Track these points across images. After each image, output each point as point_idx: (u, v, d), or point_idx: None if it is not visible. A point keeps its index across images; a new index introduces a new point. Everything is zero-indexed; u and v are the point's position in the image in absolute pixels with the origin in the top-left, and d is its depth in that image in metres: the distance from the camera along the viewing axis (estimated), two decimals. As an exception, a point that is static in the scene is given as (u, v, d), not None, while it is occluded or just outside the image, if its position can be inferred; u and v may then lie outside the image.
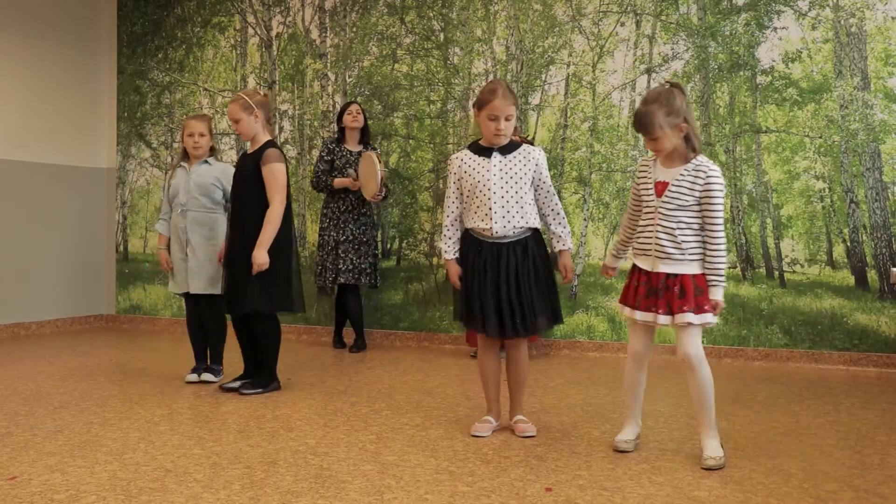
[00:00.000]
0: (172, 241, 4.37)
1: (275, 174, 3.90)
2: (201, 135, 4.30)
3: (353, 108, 5.56)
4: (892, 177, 4.89)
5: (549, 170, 5.63)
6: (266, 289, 3.91)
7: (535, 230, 3.18)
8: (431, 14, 6.07)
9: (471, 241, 3.18)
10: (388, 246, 6.16)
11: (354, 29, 6.34)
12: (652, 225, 2.87)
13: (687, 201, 2.80)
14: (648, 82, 5.43)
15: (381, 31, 6.24)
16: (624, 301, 2.98)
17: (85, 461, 2.83)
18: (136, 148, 7.15)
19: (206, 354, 4.46)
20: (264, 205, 3.91)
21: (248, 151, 4.05)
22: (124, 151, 7.19)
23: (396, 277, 6.09)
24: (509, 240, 3.11)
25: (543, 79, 5.71)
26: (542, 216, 3.22)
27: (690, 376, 2.84)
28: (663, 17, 5.41)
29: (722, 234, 2.79)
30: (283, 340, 6.09)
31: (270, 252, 3.87)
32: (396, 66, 6.19)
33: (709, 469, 2.73)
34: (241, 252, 3.91)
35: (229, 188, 4.26)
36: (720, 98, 5.28)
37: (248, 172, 3.95)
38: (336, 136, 5.68)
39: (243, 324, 4.10)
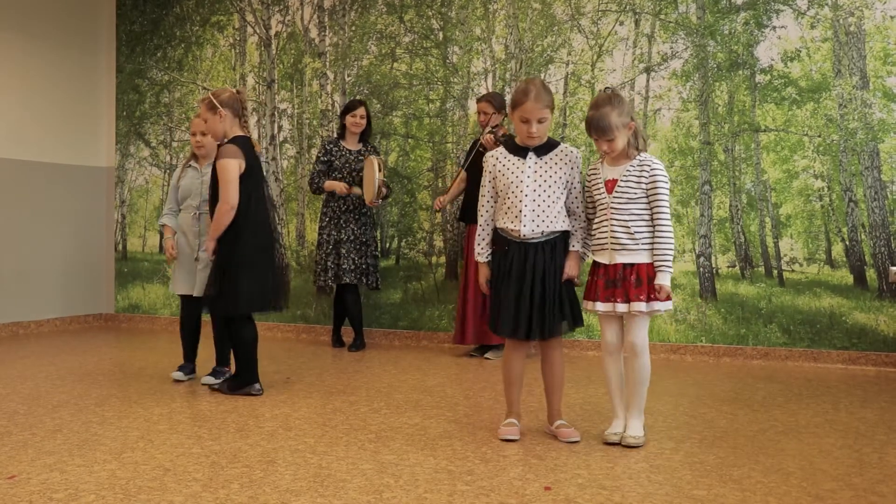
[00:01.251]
0: (180, 241, 4.34)
1: (223, 169, 3.77)
2: (203, 134, 4.25)
3: (360, 111, 5.49)
4: (890, 175, 4.89)
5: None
6: (233, 291, 3.83)
7: (564, 232, 3.14)
8: (430, 13, 6.07)
9: (499, 241, 3.16)
10: (388, 245, 6.16)
11: (353, 28, 6.33)
12: (606, 220, 3.04)
13: (636, 194, 3.00)
14: (647, 81, 5.44)
15: (380, 30, 6.24)
16: (587, 297, 3.12)
17: (84, 460, 2.83)
18: (135, 147, 7.15)
19: (196, 354, 4.45)
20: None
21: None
22: (123, 150, 7.18)
23: (395, 276, 6.09)
24: (537, 240, 3.09)
25: (543, 78, 5.70)
26: (567, 215, 3.18)
27: (631, 361, 3.05)
28: (662, 16, 5.41)
29: (668, 222, 2.99)
30: (282, 339, 6.10)
31: (231, 252, 3.81)
32: (395, 64, 6.19)
33: (628, 446, 2.97)
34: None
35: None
36: (719, 97, 5.28)
37: (214, 171, 3.90)
38: (337, 132, 5.66)
39: (218, 321, 4.18)
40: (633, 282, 2.98)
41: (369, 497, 2.44)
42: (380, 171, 5.27)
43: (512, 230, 3.10)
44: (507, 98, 5.73)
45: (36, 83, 6.58)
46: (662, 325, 5.27)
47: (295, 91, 6.54)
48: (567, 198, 3.15)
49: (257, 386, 3.98)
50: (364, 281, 5.50)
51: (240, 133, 3.93)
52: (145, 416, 3.51)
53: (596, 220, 3.10)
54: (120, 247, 7.19)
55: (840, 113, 5.00)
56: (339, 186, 5.39)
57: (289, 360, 5.11)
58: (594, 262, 3.10)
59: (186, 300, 4.37)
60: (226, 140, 3.90)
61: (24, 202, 6.45)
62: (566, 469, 2.73)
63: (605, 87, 3.08)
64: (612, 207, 3.01)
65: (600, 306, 3.04)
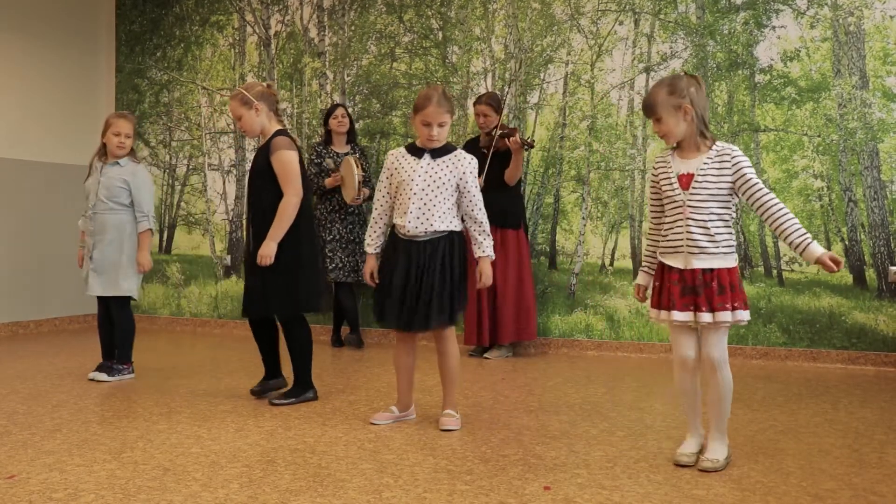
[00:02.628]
0: (86, 241, 4.41)
1: (284, 162, 3.62)
2: (128, 136, 4.33)
3: (339, 112, 5.66)
4: (890, 175, 4.89)
5: (548, 168, 5.66)
6: (290, 291, 3.69)
7: (451, 232, 3.25)
8: (430, 13, 6.07)
9: (391, 237, 3.33)
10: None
11: (353, 27, 6.33)
12: (681, 220, 2.73)
13: (718, 190, 2.70)
14: (647, 81, 5.44)
15: (379, 30, 6.24)
16: (657, 305, 2.79)
17: (83, 460, 2.83)
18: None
19: (113, 353, 4.45)
20: (278, 199, 3.64)
21: (260, 146, 3.82)
22: (123, 150, 7.17)
23: (395, 276, 6.09)
24: (421, 239, 3.22)
25: (542, 77, 5.71)
26: (465, 222, 3.31)
27: (712, 377, 2.74)
28: (662, 16, 5.41)
29: (775, 200, 2.66)
30: (282, 339, 6.10)
31: (292, 250, 3.66)
32: (395, 64, 6.19)
33: (704, 470, 2.69)
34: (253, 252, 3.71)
35: (140, 192, 4.30)
36: (719, 97, 5.28)
37: (261, 167, 3.69)
38: (323, 138, 5.77)
39: (260, 327, 3.91)
40: (716, 289, 2.66)
41: (369, 497, 2.44)
42: (357, 167, 5.35)
43: (400, 226, 3.25)
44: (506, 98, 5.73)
45: (35, 83, 6.57)
46: (663, 325, 5.26)
47: (294, 91, 6.54)
48: (461, 203, 3.27)
49: (312, 393, 3.85)
50: (353, 279, 5.57)
51: (279, 127, 3.77)
52: (144, 416, 3.50)
53: (668, 221, 2.78)
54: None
55: (839, 113, 5.00)
56: (331, 181, 5.52)
57: (289, 360, 5.10)
58: (664, 265, 2.78)
59: (98, 299, 4.45)
60: (268, 136, 3.73)
61: (23, 202, 6.45)
62: (565, 468, 2.73)
63: (683, 72, 2.83)
64: (688, 206, 2.71)
65: (678, 315, 2.70)
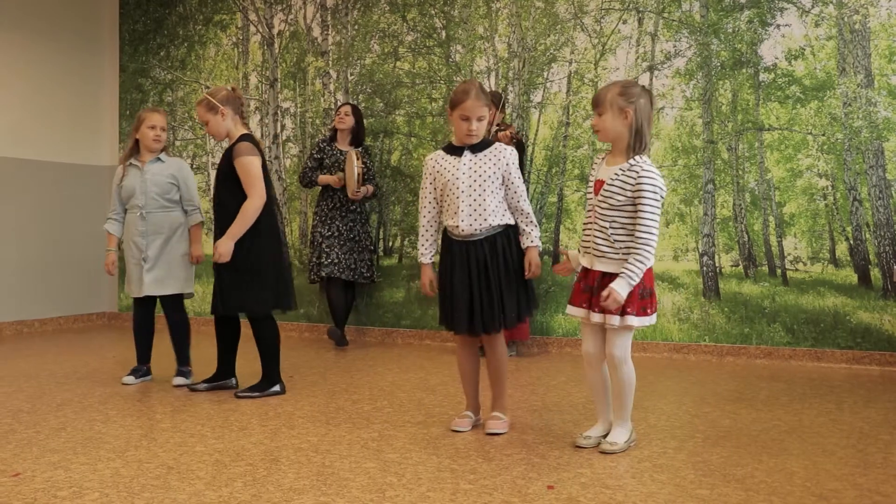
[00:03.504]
0: (127, 243, 4.29)
1: (245, 168, 3.75)
2: (163, 129, 4.23)
3: (342, 109, 5.66)
4: (895, 174, 4.87)
5: (551, 167, 5.65)
6: (257, 289, 3.80)
7: (507, 227, 3.19)
8: (433, 11, 6.06)
9: (444, 240, 3.25)
10: (391, 244, 6.16)
11: (356, 26, 6.33)
12: (590, 222, 2.93)
13: (619, 201, 2.82)
14: (651, 80, 5.43)
15: (382, 29, 6.24)
16: (569, 300, 3.03)
17: (88, 458, 2.83)
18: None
19: (149, 356, 4.40)
20: (242, 201, 3.77)
21: (226, 150, 3.94)
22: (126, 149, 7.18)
23: (398, 275, 6.09)
24: (477, 237, 3.15)
25: (545, 76, 5.70)
26: (511, 214, 3.23)
27: (612, 374, 2.95)
28: (666, 15, 5.40)
29: (648, 234, 2.77)
30: (285, 338, 6.09)
31: (256, 249, 3.78)
32: (398, 63, 6.18)
33: (603, 452, 2.89)
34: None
35: (188, 185, 4.25)
36: (723, 96, 5.27)
37: (225, 171, 3.84)
38: (329, 134, 5.77)
39: (222, 325, 4.05)
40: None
41: (372, 495, 2.44)
42: (358, 160, 5.35)
43: (453, 227, 3.17)
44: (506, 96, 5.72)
45: (39, 82, 6.58)
46: (666, 325, 5.26)
47: (298, 90, 6.54)
48: (507, 194, 3.18)
49: (279, 387, 3.95)
50: (349, 276, 5.55)
51: (245, 131, 3.89)
52: (149, 415, 3.51)
53: (584, 220, 3.02)
54: (123, 246, 7.19)
55: (844, 111, 4.98)
56: (331, 179, 5.51)
57: (292, 358, 5.11)
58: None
59: (140, 301, 4.32)
60: (234, 140, 3.85)
61: (27, 201, 6.46)
62: (569, 468, 2.73)
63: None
64: (596, 210, 2.89)
65: (571, 310, 2.98)
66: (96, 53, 7.11)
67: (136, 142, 4.26)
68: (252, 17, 6.72)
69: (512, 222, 3.19)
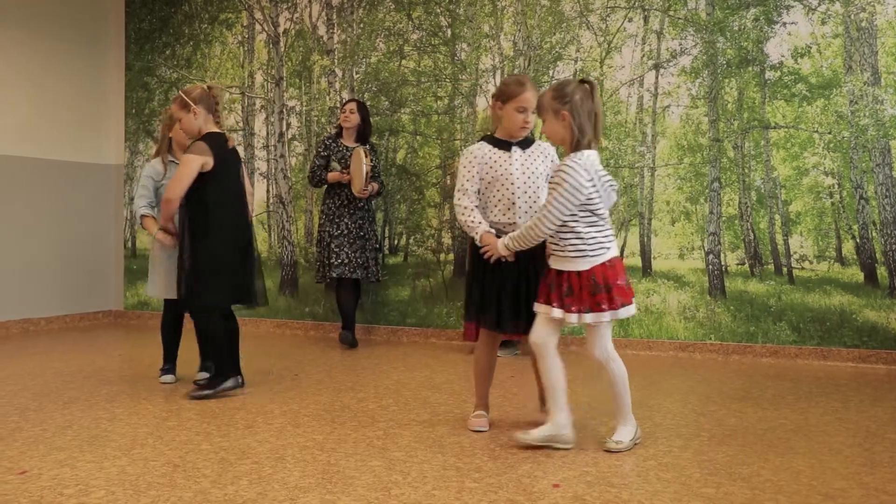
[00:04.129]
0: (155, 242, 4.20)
1: (183, 162, 3.77)
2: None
3: (348, 106, 5.58)
4: (901, 173, 4.86)
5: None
6: (197, 287, 3.81)
7: None
8: (439, 10, 6.06)
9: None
10: (396, 242, 6.16)
11: (361, 25, 6.33)
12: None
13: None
14: (656, 78, 5.42)
15: (388, 28, 6.24)
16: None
17: (94, 456, 2.84)
18: (143, 144, 7.17)
19: (177, 355, 4.37)
20: (190, 198, 3.79)
21: None
22: (132, 148, 7.20)
23: (404, 273, 6.09)
24: None
25: (551, 75, 5.69)
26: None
27: (602, 373, 3.00)
28: (671, 13, 5.39)
29: (548, 219, 2.83)
30: (291, 336, 6.10)
31: (195, 248, 3.80)
32: (404, 62, 6.18)
33: (608, 451, 2.90)
34: (181, 248, 3.91)
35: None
36: (728, 94, 5.26)
37: None
38: (335, 131, 5.70)
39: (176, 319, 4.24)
40: (565, 290, 2.89)
41: (378, 494, 2.44)
42: (366, 157, 5.29)
43: (505, 224, 3.11)
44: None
45: (45, 81, 6.60)
46: (671, 323, 5.26)
47: (303, 88, 6.55)
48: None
49: (236, 379, 3.91)
50: (361, 275, 5.50)
51: (213, 129, 3.88)
52: (154, 413, 3.52)
53: None
54: (129, 244, 7.22)
55: (851, 109, 4.97)
56: (338, 175, 5.44)
57: (297, 356, 5.12)
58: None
59: (169, 302, 4.28)
60: (199, 137, 3.86)
61: (33, 199, 6.48)
62: (574, 466, 2.73)
63: (581, 79, 2.95)
64: None
65: (535, 305, 2.99)
66: (102, 52, 7.13)
67: (170, 139, 4.26)
68: (258, 15, 6.73)
69: None
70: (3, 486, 2.52)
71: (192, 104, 3.83)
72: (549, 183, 2.91)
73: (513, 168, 3.11)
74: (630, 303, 2.93)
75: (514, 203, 3.10)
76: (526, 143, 3.19)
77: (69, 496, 2.42)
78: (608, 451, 2.90)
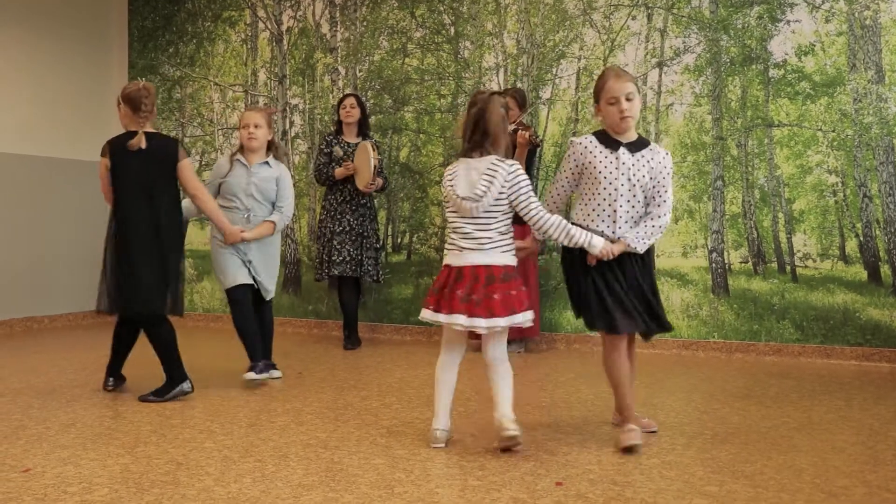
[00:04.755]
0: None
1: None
2: (256, 126, 4.12)
3: (348, 101, 5.46)
4: (905, 171, 4.85)
5: (559, 164, 5.63)
6: (111, 290, 3.78)
7: None
8: (442, 8, 6.06)
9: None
10: (399, 240, 6.16)
11: (365, 23, 6.33)
12: None
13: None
14: (660, 76, 5.41)
15: (391, 26, 6.24)
16: None
17: (97, 454, 2.85)
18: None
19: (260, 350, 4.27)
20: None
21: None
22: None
23: (407, 272, 6.09)
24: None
25: (554, 73, 5.69)
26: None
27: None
28: (675, 11, 5.38)
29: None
30: (294, 334, 6.12)
31: (109, 252, 3.77)
32: (407, 60, 6.18)
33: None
34: None
35: (283, 192, 4.23)
36: (732, 92, 5.25)
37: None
38: (334, 128, 5.60)
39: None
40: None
41: (381, 492, 2.44)
42: (374, 152, 5.16)
43: (601, 231, 2.94)
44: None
45: (48, 79, 6.61)
46: (675, 321, 5.25)
47: (306, 86, 6.55)
48: (651, 198, 2.99)
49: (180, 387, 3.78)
50: (361, 272, 5.38)
51: (133, 128, 3.76)
52: (158, 411, 3.52)
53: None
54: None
55: (855, 107, 4.96)
56: (345, 171, 5.31)
57: (301, 354, 5.12)
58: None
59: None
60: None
61: (37, 198, 6.49)
62: (578, 464, 2.73)
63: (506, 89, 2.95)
64: None
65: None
66: (105, 50, 7.13)
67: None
68: (261, 13, 6.73)
69: None
70: (6, 483, 2.52)
71: (119, 102, 3.82)
72: (659, 179, 2.86)
73: (619, 173, 2.92)
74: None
75: (616, 213, 2.94)
76: (637, 146, 2.97)
77: (72, 494, 2.43)
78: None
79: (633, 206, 2.96)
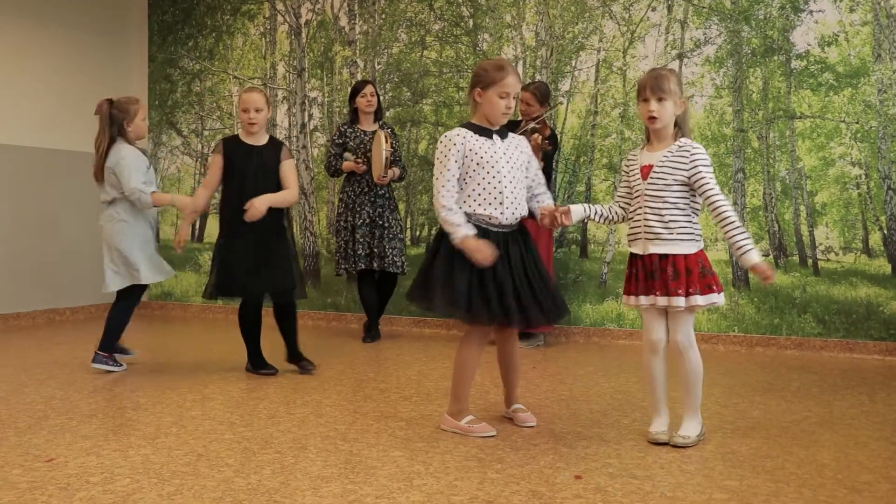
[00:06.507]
0: (146, 229, 4.38)
1: (294, 169, 4.21)
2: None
3: (368, 89, 5.32)
4: (930, 163, 4.79)
5: (579, 156, 5.62)
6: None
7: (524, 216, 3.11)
8: (460, 0, 6.04)
9: (476, 230, 2.98)
10: (418, 233, 6.16)
11: (383, 16, 6.33)
12: (640, 209, 2.89)
13: (673, 180, 2.82)
14: (680, 68, 5.37)
15: (409, 18, 6.23)
16: (627, 292, 2.96)
17: (119, 445, 2.87)
18: (166, 136, 7.22)
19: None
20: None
21: (253, 143, 4.15)
22: (155, 139, 7.25)
23: (425, 264, 6.08)
24: (511, 228, 3.04)
25: (573, 65, 5.66)
26: (535, 195, 3.13)
27: (679, 361, 2.89)
28: (695, 2, 5.33)
29: (724, 202, 2.77)
30: (313, 327, 6.13)
31: None
32: (425, 52, 6.17)
33: (676, 446, 2.82)
34: None
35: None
36: (753, 83, 5.20)
37: (272, 167, 4.14)
38: (348, 117, 5.49)
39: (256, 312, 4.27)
40: (671, 274, 2.79)
41: (400, 484, 2.44)
42: (387, 142, 5.08)
43: (490, 217, 2.97)
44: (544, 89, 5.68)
45: (69, 73, 6.66)
46: (695, 314, 5.21)
47: (325, 79, 6.56)
48: (530, 176, 3.11)
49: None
50: (385, 265, 5.26)
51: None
52: (178, 403, 3.55)
53: (631, 211, 2.95)
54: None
55: (879, 99, 4.89)
56: (353, 165, 5.25)
57: (320, 347, 5.14)
58: (630, 253, 2.94)
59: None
60: None
61: (57, 191, 6.54)
62: (597, 458, 2.72)
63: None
64: (646, 195, 2.85)
65: (644, 300, 2.87)
66: (125, 44, 7.17)
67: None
68: (279, 6, 6.74)
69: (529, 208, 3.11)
70: (31, 473, 2.55)
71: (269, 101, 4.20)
72: (695, 178, 2.78)
73: (499, 157, 3.01)
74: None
75: (501, 195, 2.97)
76: (503, 132, 3.10)
77: (95, 484, 2.45)
78: (675, 445, 2.82)
79: (515, 187, 3.03)
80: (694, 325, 2.93)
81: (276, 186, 4.06)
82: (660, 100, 2.85)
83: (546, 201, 3.13)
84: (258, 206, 3.91)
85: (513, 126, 5.07)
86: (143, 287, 4.37)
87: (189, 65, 7.13)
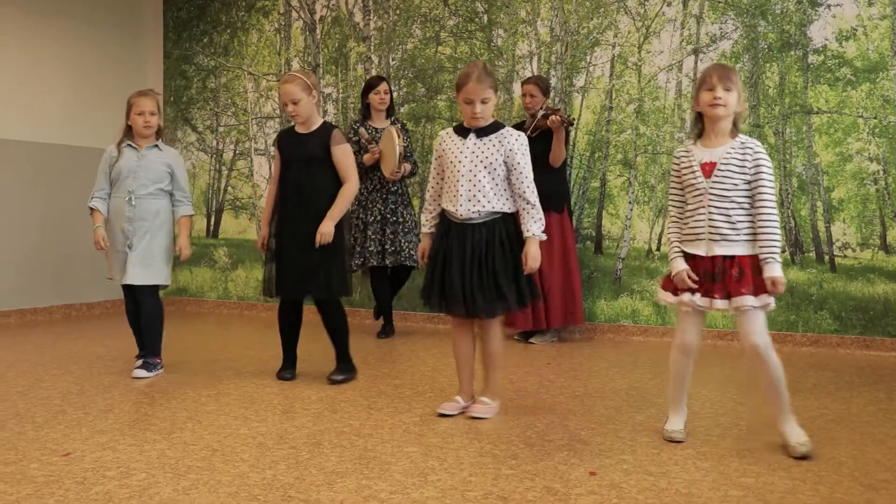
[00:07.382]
0: (113, 228, 4.19)
1: (348, 153, 3.92)
2: (152, 113, 4.19)
3: (382, 87, 5.30)
4: (949, 158, 4.74)
5: (594, 152, 5.60)
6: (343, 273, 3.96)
7: (508, 214, 3.15)
8: (475, -5, 6.03)
9: (443, 222, 3.24)
10: (431, 229, 6.14)
11: (398, 11, 6.32)
12: (702, 208, 2.78)
13: (739, 179, 2.74)
14: (695, 63, 5.33)
15: (424, 14, 6.22)
16: (666, 287, 2.89)
17: (135, 439, 2.89)
18: (182, 132, 7.25)
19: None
20: (332, 187, 3.84)
21: (303, 132, 3.92)
22: (171, 135, 7.28)
23: (439, 261, 6.08)
24: (475, 221, 3.12)
25: (588, 60, 5.64)
26: (515, 202, 3.17)
27: (760, 365, 2.75)
28: (712, -4, 5.30)
29: (774, 211, 2.71)
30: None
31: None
32: (440, 48, 6.16)
33: (801, 457, 2.64)
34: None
35: (178, 175, 4.23)
36: (770, 79, 5.16)
37: (315, 154, 3.85)
38: (361, 113, 5.46)
39: (295, 311, 4.02)
40: (736, 275, 2.70)
41: (414, 479, 2.45)
42: (399, 138, 5.03)
43: (452, 211, 3.16)
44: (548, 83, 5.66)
45: (85, 69, 6.69)
46: (710, 311, 5.18)
47: (340, 75, 6.56)
48: (511, 179, 3.13)
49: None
50: (400, 260, 5.24)
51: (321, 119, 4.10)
52: (193, 398, 3.56)
53: (689, 209, 2.83)
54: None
55: (897, 94, 4.85)
56: (372, 157, 5.20)
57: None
58: (684, 253, 2.84)
59: (127, 289, 4.23)
60: (315, 124, 3.95)
61: (73, 187, 6.58)
62: (611, 454, 2.71)
63: None
64: (710, 194, 2.75)
65: (700, 300, 2.78)
66: (141, 40, 7.20)
67: (129, 127, 4.28)
68: (294, 2, 6.75)
69: (511, 211, 3.15)
70: (48, 467, 2.57)
71: (313, 88, 4.01)
72: (755, 177, 2.73)
73: (462, 156, 3.15)
74: None
75: (457, 191, 3.13)
76: (487, 131, 3.16)
77: (111, 478, 2.46)
78: (800, 457, 2.64)
79: (473, 185, 3.16)
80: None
81: (325, 176, 3.83)
82: (727, 89, 2.79)
83: (525, 226, 3.12)
84: (323, 231, 3.73)
85: (519, 128, 5.08)
86: (125, 286, 4.23)
87: (204, 61, 7.15)
